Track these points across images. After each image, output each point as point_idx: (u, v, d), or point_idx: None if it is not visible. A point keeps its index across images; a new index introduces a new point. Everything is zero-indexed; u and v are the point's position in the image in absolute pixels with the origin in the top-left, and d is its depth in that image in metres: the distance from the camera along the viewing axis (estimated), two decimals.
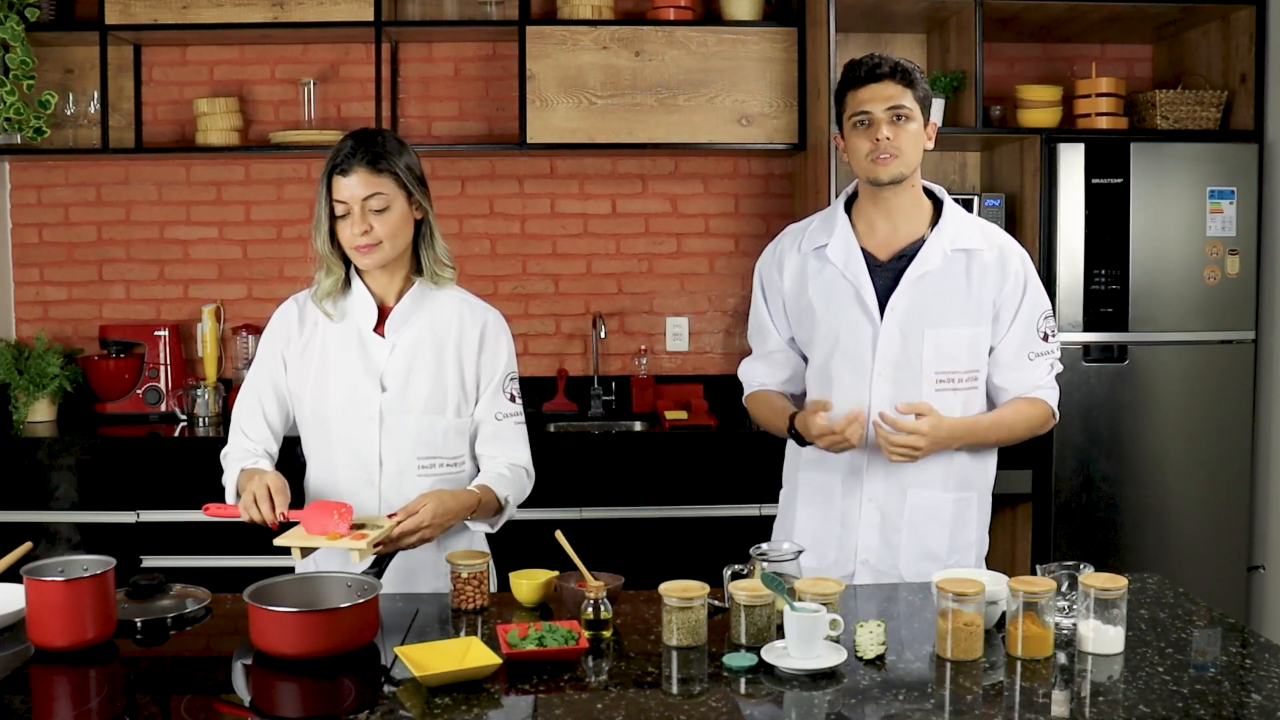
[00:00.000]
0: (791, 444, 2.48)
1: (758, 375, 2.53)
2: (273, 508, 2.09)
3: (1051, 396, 2.39)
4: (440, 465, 2.29)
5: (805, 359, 2.47)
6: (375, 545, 2.05)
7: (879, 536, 2.36)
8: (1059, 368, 2.41)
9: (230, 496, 2.25)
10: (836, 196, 2.50)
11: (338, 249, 2.25)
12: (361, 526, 2.10)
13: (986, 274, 2.33)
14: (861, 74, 2.28)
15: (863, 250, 2.36)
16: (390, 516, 2.12)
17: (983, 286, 2.33)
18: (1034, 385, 2.37)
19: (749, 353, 2.58)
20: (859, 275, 2.34)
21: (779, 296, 2.46)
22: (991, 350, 2.36)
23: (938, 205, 2.38)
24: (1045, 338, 2.37)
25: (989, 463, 2.43)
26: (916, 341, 2.31)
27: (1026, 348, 2.36)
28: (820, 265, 2.39)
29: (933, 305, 2.31)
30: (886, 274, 2.34)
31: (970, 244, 2.34)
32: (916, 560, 2.35)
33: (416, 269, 2.31)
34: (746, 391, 2.56)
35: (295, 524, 2.10)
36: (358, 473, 2.27)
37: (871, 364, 2.32)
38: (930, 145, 2.34)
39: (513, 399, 2.35)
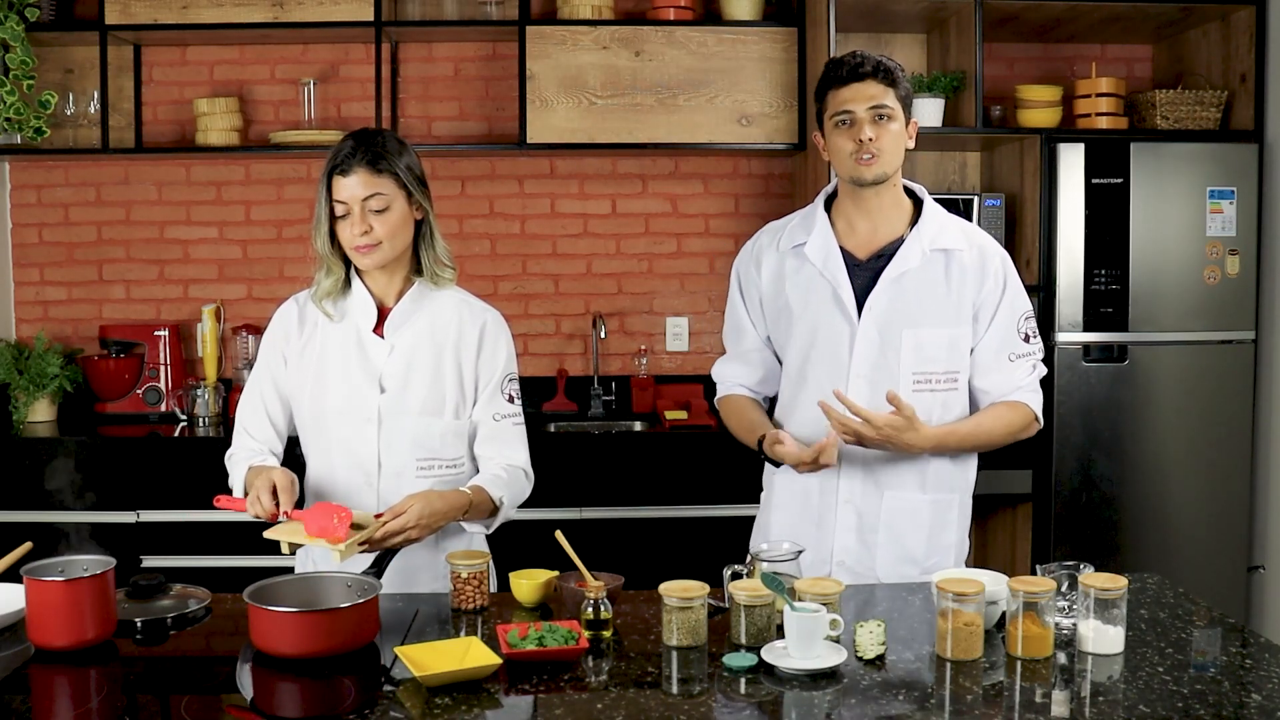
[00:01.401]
0: None
1: (732, 375, 2.50)
2: (275, 503, 2.09)
3: (1034, 400, 2.36)
4: (439, 466, 2.28)
5: (781, 361, 2.45)
6: (360, 546, 2.05)
7: (856, 538, 2.34)
8: (1042, 370, 2.38)
9: (238, 494, 2.24)
10: None
11: (338, 249, 2.25)
12: (355, 526, 2.09)
13: (966, 274, 2.31)
14: (844, 73, 2.26)
15: (842, 249, 2.34)
16: (377, 516, 2.11)
17: (962, 286, 2.30)
18: (1015, 387, 2.34)
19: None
20: (837, 274, 2.32)
21: (756, 294, 2.43)
22: (972, 351, 2.34)
23: (918, 205, 2.36)
24: (1026, 339, 2.35)
25: (968, 466, 2.41)
26: (894, 341, 2.29)
27: (1006, 349, 2.33)
28: (798, 264, 2.37)
29: (911, 305, 2.29)
30: (865, 273, 2.32)
31: (950, 244, 2.32)
32: (893, 562, 2.33)
33: (417, 269, 2.31)
34: (720, 393, 2.53)
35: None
36: (356, 474, 2.27)
37: (849, 364, 2.30)
38: (911, 144, 2.32)
39: (511, 400, 2.34)
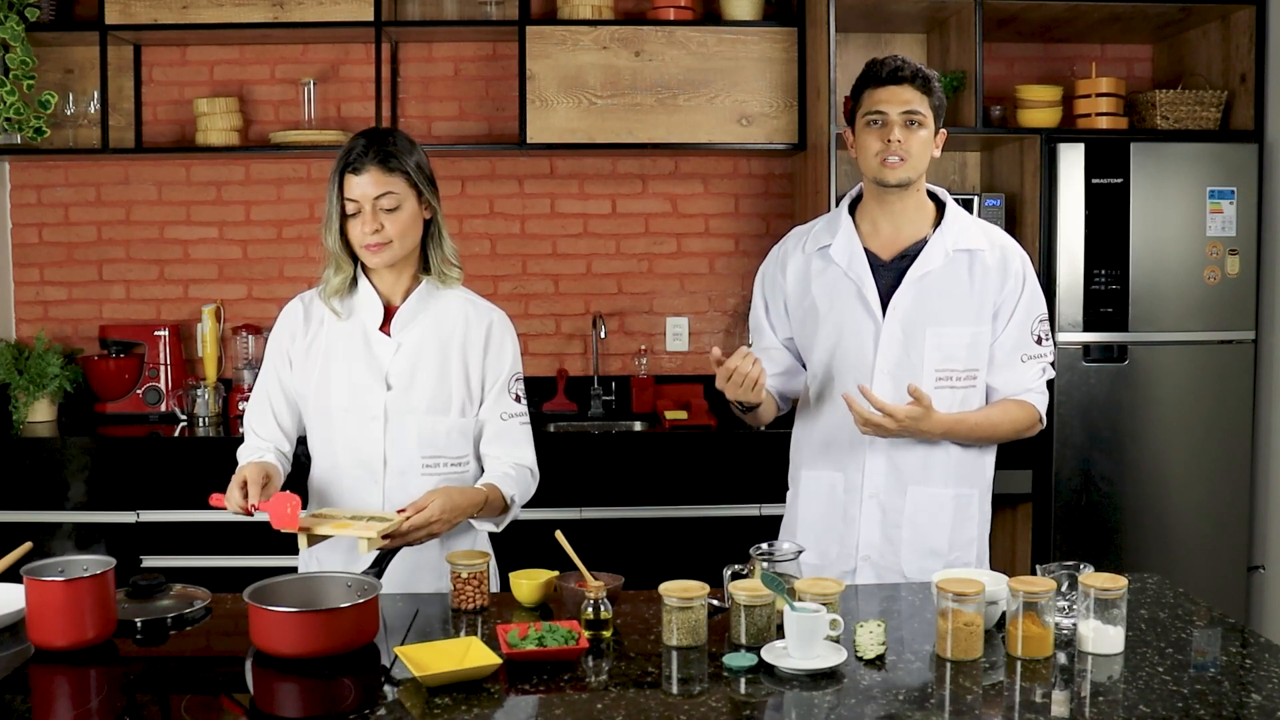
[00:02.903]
0: (795, 442, 2.52)
1: None
2: (245, 498, 2.09)
3: (1040, 401, 2.40)
4: (444, 465, 2.29)
5: (803, 362, 2.48)
6: (384, 538, 2.06)
7: (881, 533, 2.38)
8: (1051, 373, 2.42)
9: None
10: (836, 196, 2.52)
11: (347, 247, 2.26)
12: (356, 520, 2.11)
13: (988, 274, 2.35)
14: (883, 74, 2.30)
15: (866, 250, 2.38)
16: (400, 512, 2.13)
17: (984, 286, 2.34)
18: (1024, 388, 2.38)
19: None
20: (861, 274, 2.36)
21: (781, 297, 2.47)
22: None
23: (940, 207, 2.40)
24: (1039, 341, 2.38)
25: (988, 460, 2.45)
26: (918, 340, 2.32)
27: (1019, 349, 2.37)
28: (824, 265, 2.41)
29: (934, 304, 2.33)
30: (889, 274, 2.36)
31: (972, 244, 2.36)
32: (918, 557, 2.37)
33: (424, 268, 2.32)
34: None
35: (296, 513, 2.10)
36: (361, 472, 2.27)
37: (873, 362, 2.34)
38: (938, 154, 2.36)
39: (518, 399, 2.36)
